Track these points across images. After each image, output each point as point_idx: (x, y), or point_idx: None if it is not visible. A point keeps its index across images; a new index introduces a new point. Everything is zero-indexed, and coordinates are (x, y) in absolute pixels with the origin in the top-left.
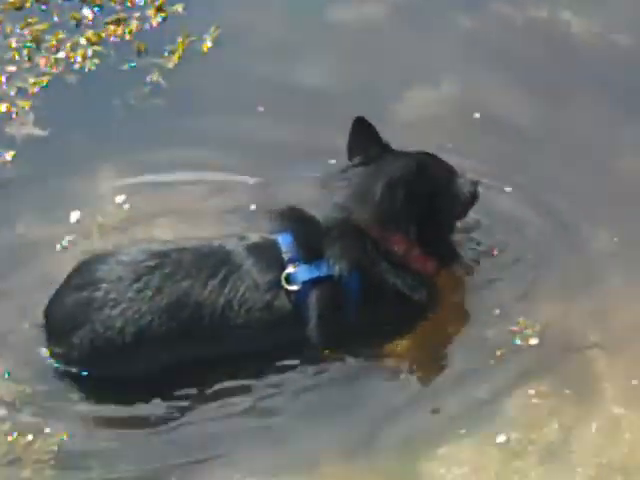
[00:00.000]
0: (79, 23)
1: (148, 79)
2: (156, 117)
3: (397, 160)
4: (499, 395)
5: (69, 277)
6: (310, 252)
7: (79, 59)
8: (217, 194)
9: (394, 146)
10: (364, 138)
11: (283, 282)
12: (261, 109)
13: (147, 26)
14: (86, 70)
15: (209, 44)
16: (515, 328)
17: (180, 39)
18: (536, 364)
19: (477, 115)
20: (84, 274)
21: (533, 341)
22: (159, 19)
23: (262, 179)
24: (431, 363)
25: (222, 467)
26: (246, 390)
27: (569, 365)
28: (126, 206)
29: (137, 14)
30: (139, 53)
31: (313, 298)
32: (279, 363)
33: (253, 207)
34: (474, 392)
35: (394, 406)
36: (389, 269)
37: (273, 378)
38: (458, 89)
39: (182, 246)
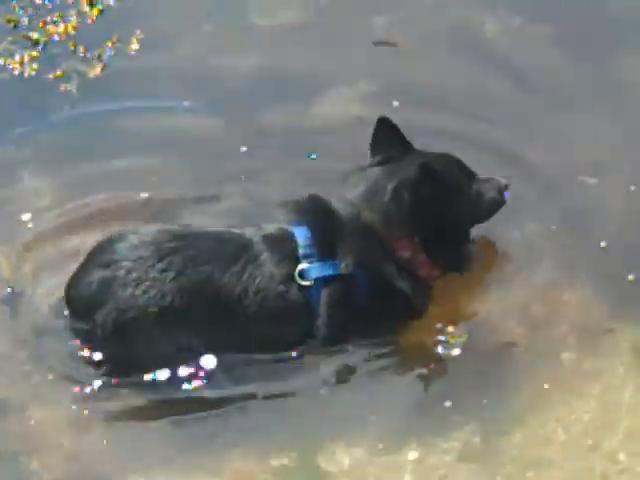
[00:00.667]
0: (16, 25)
1: (68, 86)
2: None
3: (412, 163)
4: (419, 409)
5: (91, 255)
6: (324, 248)
7: (14, 64)
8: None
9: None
10: (386, 138)
11: (296, 277)
12: (186, 104)
13: (88, 21)
14: (25, 75)
15: (135, 46)
16: (442, 338)
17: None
18: (457, 375)
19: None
20: (106, 252)
21: (456, 352)
22: (94, 15)
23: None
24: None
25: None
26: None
27: (489, 373)
28: (30, 225)
29: (73, 10)
30: (70, 54)
31: (324, 295)
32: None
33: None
34: (398, 406)
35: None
36: (395, 273)
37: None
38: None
39: (203, 230)
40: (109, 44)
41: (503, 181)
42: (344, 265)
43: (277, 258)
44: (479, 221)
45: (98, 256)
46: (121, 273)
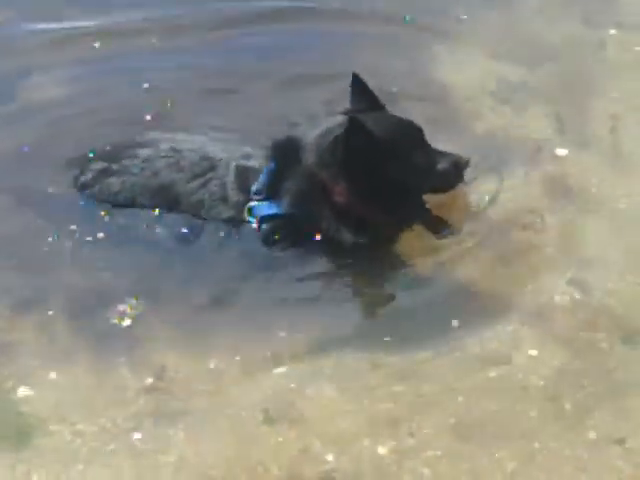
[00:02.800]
0: None
1: None
2: None
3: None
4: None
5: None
6: (272, 188)
7: None
8: None
9: None
10: (359, 92)
11: (245, 214)
12: None
13: None
14: None
15: None
16: (120, 307)
17: None
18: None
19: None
20: (116, 152)
21: (127, 322)
22: None
23: None
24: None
25: None
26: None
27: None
28: None
29: None
30: None
31: (266, 228)
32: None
33: None
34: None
35: None
36: (327, 214)
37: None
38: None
39: (196, 147)
40: None
41: (464, 157)
42: (284, 205)
43: (235, 186)
44: (433, 190)
45: (109, 154)
46: (114, 166)
